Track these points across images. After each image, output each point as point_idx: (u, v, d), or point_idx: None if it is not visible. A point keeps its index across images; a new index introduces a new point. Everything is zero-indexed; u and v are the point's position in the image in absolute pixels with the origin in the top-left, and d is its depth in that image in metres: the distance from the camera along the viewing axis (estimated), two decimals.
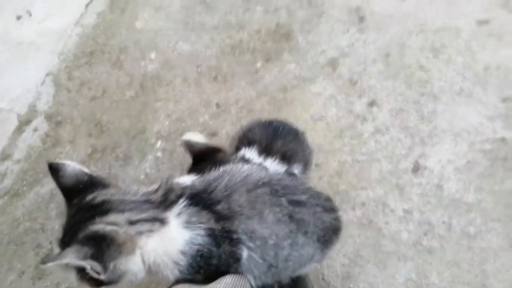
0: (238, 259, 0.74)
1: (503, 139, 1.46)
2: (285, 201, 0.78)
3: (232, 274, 0.73)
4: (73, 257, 0.60)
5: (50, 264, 0.60)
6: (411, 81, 1.64)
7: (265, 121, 1.21)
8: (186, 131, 1.67)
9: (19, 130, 1.77)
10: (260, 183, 0.77)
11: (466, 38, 1.72)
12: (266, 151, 1.02)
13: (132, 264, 0.67)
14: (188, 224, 0.70)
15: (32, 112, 1.82)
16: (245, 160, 1.01)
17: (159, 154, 1.65)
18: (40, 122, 1.78)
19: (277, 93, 1.71)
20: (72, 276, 0.64)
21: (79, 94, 1.84)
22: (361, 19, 1.84)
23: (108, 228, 0.64)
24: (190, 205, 0.72)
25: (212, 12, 1.99)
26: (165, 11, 2.04)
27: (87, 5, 2.13)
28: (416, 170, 1.46)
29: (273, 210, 0.75)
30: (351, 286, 1.32)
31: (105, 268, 0.63)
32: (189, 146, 1.06)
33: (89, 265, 0.61)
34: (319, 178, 1.49)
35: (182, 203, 0.72)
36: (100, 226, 0.64)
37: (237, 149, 1.10)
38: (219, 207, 0.72)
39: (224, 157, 1.04)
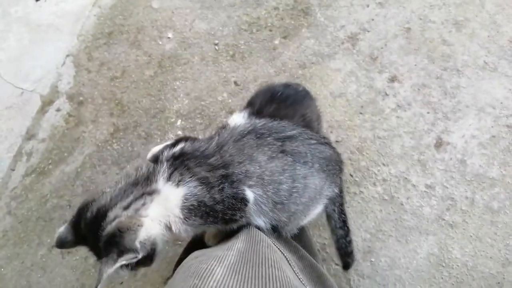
0: (242, 200, 0.79)
1: None
2: (272, 140, 0.85)
3: (244, 237, 0.78)
4: (108, 269, 0.68)
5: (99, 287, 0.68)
6: (434, 56, 1.61)
7: (270, 85, 1.23)
8: (205, 110, 1.68)
9: (42, 110, 1.81)
10: (245, 132, 0.86)
11: (490, 11, 1.67)
12: (257, 114, 1.02)
13: (151, 230, 0.74)
14: (180, 182, 0.77)
15: (54, 92, 1.85)
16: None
17: (179, 132, 1.66)
18: (62, 103, 1.81)
19: (295, 69, 1.70)
20: (124, 273, 0.71)
21: (99, 74, 1.86)
22: None
23: (113, 224, 0.72)
24: (178, 166, 0.79)
25: None
26: None
27: None
28: (439, 146, 1.44)
29: (261, 150, 0.83)
30: (372, 260, 1.33)
31: (135, 250, 0.71)
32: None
33: (124, 261, 0.69)
34: None
35: (166, 168, 0.79)
36: (107, 228, 0.72)
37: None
38: (211, 160, 0.80)
39: None
